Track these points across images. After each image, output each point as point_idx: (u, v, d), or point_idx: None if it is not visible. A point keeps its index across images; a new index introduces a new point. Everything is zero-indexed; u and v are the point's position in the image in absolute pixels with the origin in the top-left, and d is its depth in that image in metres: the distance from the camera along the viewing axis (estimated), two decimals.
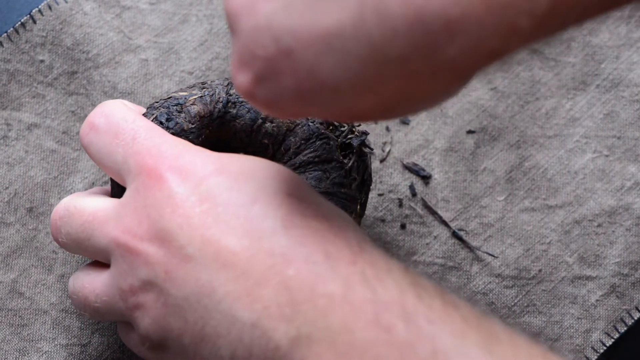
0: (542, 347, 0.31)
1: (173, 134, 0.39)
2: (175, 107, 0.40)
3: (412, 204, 0.47)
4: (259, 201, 0.33)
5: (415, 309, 0.30)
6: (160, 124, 0.39)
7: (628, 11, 0.49)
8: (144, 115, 0.40)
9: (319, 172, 0.40)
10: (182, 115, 0.39)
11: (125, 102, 0.40)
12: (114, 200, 0.37)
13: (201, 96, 0.40)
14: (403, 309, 0.30)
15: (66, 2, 0.47)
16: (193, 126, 0.39)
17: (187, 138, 0.39)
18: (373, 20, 0.27)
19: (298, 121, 0.40)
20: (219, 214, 0.33)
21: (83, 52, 0.47)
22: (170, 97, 0.40)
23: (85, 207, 0.37)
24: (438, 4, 0.26)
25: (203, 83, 0.41)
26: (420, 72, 0.28)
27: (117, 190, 0.39)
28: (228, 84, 0.41)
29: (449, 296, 0.32)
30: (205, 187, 0.34)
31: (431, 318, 0.30)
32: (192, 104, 0.40)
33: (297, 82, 0.30)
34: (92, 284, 0.37)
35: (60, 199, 0.45)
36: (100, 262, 0.38)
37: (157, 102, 0.40)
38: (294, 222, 0.33)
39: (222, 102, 0.40)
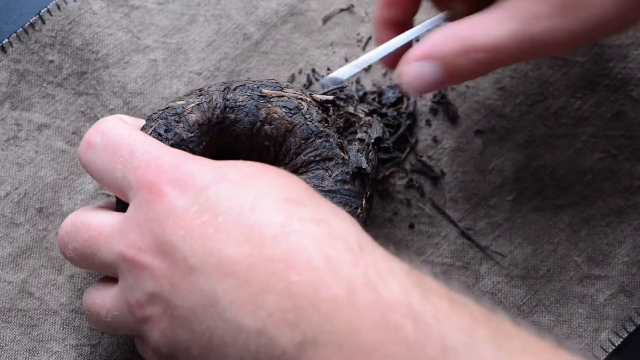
0: (551, 342, 0.31)
1: (173, 144, 0.39)
2: (173, 117, 0.39)
3: (421, 204, 0.47)
4: (257, 208, 0.33)
5: (422, 308, 0.31)
6: (159, 135, 0.39)
7: None
8: (143, 127, 0.40)
9: (321, 171, 0.40)
10: (181, 125, 0.39)
11: (122, 116, 0.40)
12: (119, 215, 0.37)
13: (198, 104, 0.40)
14: (409, 308, 0.30)
15: (75, 1, 0.47)
16: (192, 135, 0.39)
17: (187, 147, 0.39)
18: None
19: (296, 121, 0.40)
20: (220, 223, 0.33)
21: (92, 52, 0.47)
22: (168, 107, 0.40)
23: (90, 222, 0.38)
24: None
25: (200, 90, 0.41)
26: None
27: (121, 205, 0.39)
28: (225, 89, 0.40)
29: (455, 294, 0.32)
30: (205, 197, 0.34)
31: (439, 316, 0.30)
32: (190, 113, 0.39)
33: None
34: (103, 299, 0.38)
35: (70, 199, 0.45)
36: (110, 277, 0.38)
37: (155, 114, 0.40)
38: (293, 228, 0.33)
39: (219, 107, 0.40)
